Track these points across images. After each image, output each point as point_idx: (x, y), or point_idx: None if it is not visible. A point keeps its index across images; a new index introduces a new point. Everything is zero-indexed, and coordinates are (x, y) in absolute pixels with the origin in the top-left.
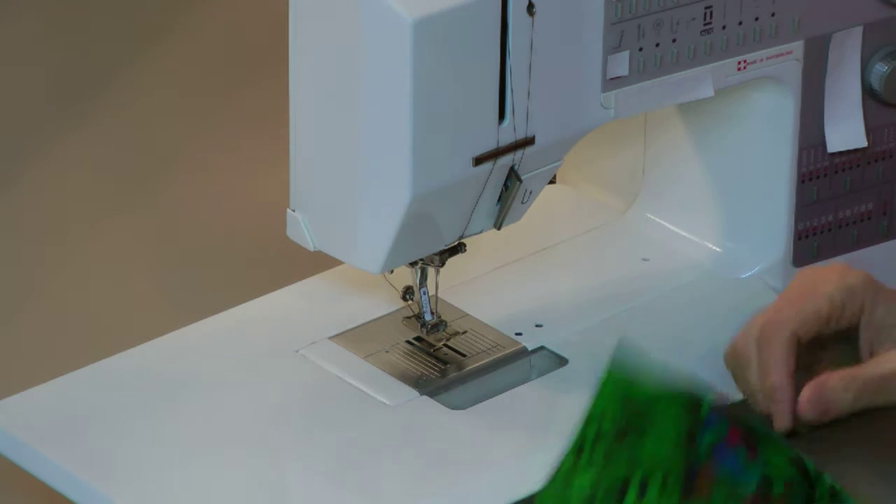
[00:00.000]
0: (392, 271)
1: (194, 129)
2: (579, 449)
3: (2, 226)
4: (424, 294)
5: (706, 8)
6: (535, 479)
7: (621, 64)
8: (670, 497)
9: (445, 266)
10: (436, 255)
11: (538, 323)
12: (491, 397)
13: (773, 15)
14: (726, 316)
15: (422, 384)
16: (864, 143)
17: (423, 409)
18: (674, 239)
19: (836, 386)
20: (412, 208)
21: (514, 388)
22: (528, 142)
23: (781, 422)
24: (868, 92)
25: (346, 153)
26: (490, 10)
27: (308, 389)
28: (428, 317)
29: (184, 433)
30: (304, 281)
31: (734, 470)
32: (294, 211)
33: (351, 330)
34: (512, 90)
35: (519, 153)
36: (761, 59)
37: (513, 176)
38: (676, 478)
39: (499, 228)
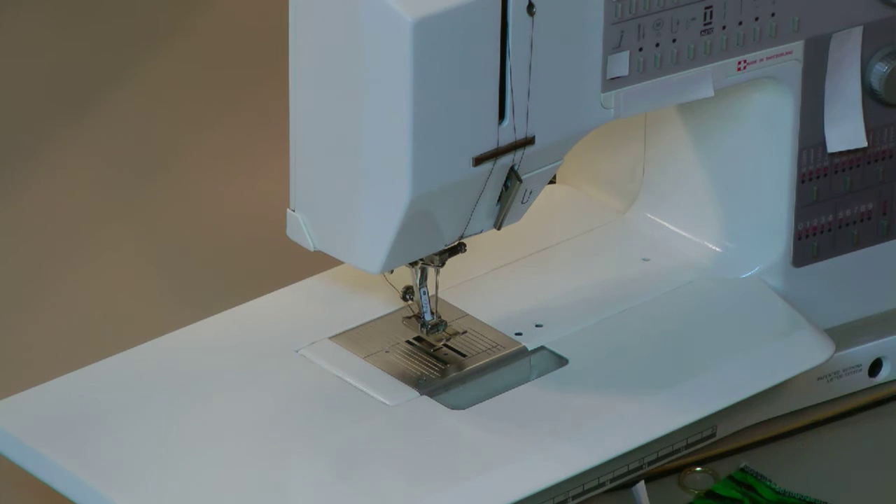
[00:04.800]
0: (392, 271)
1: (194, 129)
2: None
3: (1, 226)
4: (424, 294)
5: (706, 8)
6: (535, 479)
7: (621, 64)
8: None
9: (445, 266)
10: (436, 255)
11: (538, 323)
12: (491, 397)
13: (773, 15)
14: (726, 316)
15: (422, 384)
16: (864, 143)
17: (423, 409)
18: (674, 239)
19: None
20: (412, 208)
21: (514, 388)
22: (528, 142)
23: None
24: (868, 92)
25: (346, 153)
26: (490, 10)
27: (308, 389)
28: (428, 317)
29: (184, 433)
30: (304, 281)
31: None
32: (294, 211)
33: (351, 330)
34: (512, 90)
35: (519, 153)
36: (761, 59)
37: (513, 176)
38: None
39: (499, 228)
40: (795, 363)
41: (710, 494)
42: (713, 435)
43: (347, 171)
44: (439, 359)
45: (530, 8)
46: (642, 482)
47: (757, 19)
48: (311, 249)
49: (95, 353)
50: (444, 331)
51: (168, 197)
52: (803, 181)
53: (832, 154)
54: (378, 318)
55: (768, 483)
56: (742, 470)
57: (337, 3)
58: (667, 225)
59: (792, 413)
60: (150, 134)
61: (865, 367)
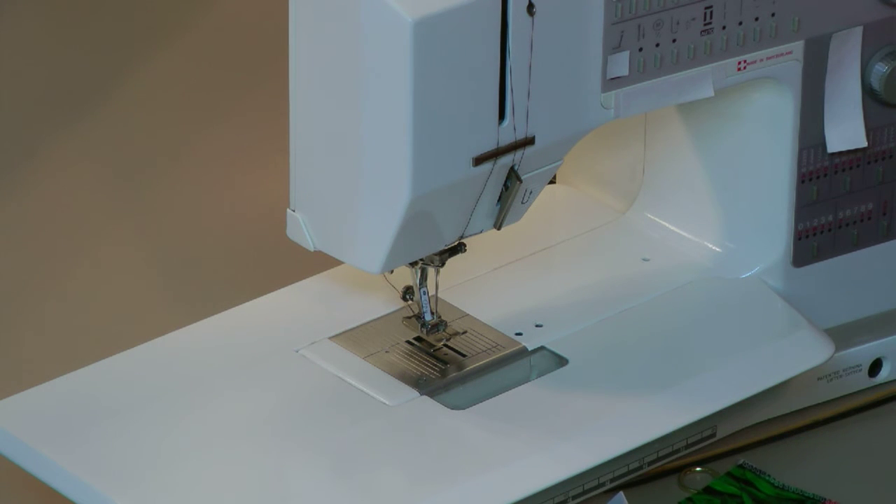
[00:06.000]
0: (392, 271)
1: (194, 128)
2: None
3: (2, 226)
4: (424, 294)
5: (706, 8)
6: (535, 479)
7: (621, 64)
8: None
9: (445, 266)
10: (436, 255)
11: (538, 323)
12: (491, 397)
13: (773, 15)
14: (726, 316)
15: (422, 384)
16: (864, 143)
17: (423, 409)
18: (674, 239)
19: None
20: (412, 208)
21: (514, 388)
22: (528, 142)
23: None
24: (868, 92)
25: (346, 153)
26: (490, 10)
27: (308, 389)
28: (428, 317)
29: (184, 433)
30: (304, 281)
31: None
32: (294, 211)
33: (351, 330)
34: (512, 90)
35: (519, 153)
36: (761, 59)
37: (513, 176)
38: None
39: (499, 228)
40: (795, 363)
41: (707, 490)
42: (713, 435)
43: (347, 171)
44: (439, 359)
45: (530, 8)
46: (621, 493)
47: (757, 19)
48: (311, 249)
49: (95, 353)
50: (444, 331)
51: (168, 197)
52: (803, 181)
53: (832, 154)
54: (378, 318)
55: (767, 478)
56: (740, 466)
57: (337, 3)
58: (667, 225)
59: (792, 413)
60: (150, 134)
61: (865, 367)
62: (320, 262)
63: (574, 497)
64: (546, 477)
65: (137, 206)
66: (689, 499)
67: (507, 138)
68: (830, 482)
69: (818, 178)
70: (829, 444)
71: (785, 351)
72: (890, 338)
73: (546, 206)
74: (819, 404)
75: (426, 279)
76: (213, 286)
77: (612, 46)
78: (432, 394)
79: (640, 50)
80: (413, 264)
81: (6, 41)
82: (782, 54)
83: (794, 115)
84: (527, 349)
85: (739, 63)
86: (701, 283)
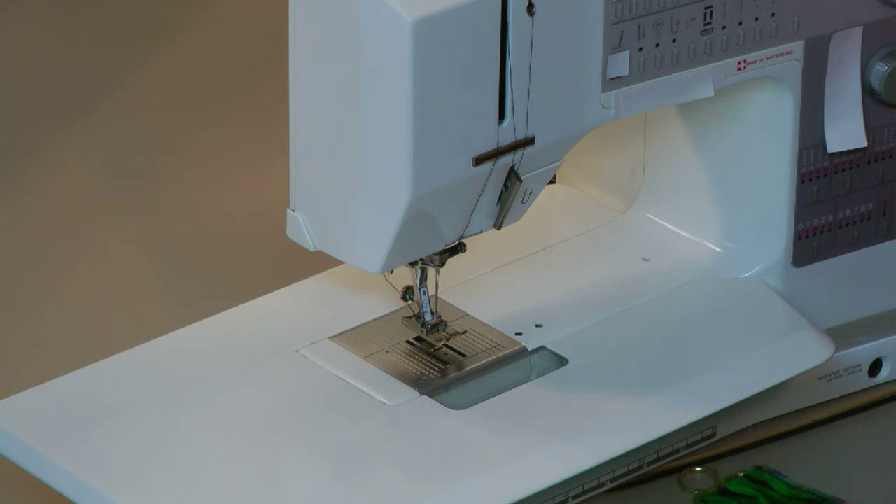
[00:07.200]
0: (392, 271)
1: (194, 129)
2: None
3: (1, 226)
4: (424, 294)
5: (706, 8)
6: (535, 479)
7: (621, 64)
8: None
9: (445, 266)
10: (436, 255)
11: (538, 323)
12: (491, 397)
13: (773, 15)
14: (726, 316)
15: (422, 384)
16: (864, 144)
17: (423, 409)
18: (674, 239)
19: None
20: (412, 208)
21: (514, 388)
22: (528, 142)
23: None
24: (868, 92)
25: (346, 153)
26: (490, 10)
27: (308, 389)
28: (428, 317)
29: (184, 433)
30: (304, 281)
31: None
32: (294, 211)
33: (351, 330)
34: (512, 90)
35: (519, 153)
36: (761, 59)
37: (513, 176)
38: None
39: (499, 228)
40: (795, 363)
41: (723, 492)
42: (713, 435)
43: (347, 171)
44: (439, 359)
45: (530, 8)
46: None
47: (757, 19)
48: (311, 249)
49: (95, 353)
50: (444, 331)
51: (168, 197)
52: (803, 181)
53: (832, 154)
54: (378, 318)
55: (784, 479)
56: (758, 468)
57: (337, 3)
58: (667, 225)
59: (792, 413)
60: (150, 134)
61: (865, 367)
62: (320, 262)
63: (574, 497)
64: (546, 477)
65: (137, 206)
66: (703, 500)
67: (507, 138)
68: (831, 482)
69: (818, 178)
70: (830, 444)
71: (785, 351)
72: (890, 338)
73: (546, 206)
74: (819, 404)
75: (426, 279)
76: (213, 286)
77: (612, 46)
78: (432, 394)
79: (640, 50)
80: (413, 264)
81: (6, 41)
82: (782, 54)
83: (794, 115)
84: (527, 349)
85: (739, 63)
86: (701, 283)
